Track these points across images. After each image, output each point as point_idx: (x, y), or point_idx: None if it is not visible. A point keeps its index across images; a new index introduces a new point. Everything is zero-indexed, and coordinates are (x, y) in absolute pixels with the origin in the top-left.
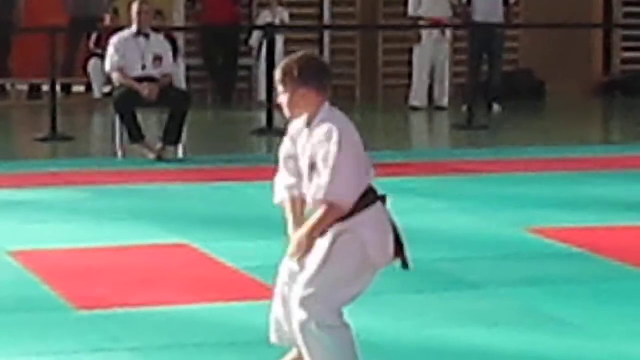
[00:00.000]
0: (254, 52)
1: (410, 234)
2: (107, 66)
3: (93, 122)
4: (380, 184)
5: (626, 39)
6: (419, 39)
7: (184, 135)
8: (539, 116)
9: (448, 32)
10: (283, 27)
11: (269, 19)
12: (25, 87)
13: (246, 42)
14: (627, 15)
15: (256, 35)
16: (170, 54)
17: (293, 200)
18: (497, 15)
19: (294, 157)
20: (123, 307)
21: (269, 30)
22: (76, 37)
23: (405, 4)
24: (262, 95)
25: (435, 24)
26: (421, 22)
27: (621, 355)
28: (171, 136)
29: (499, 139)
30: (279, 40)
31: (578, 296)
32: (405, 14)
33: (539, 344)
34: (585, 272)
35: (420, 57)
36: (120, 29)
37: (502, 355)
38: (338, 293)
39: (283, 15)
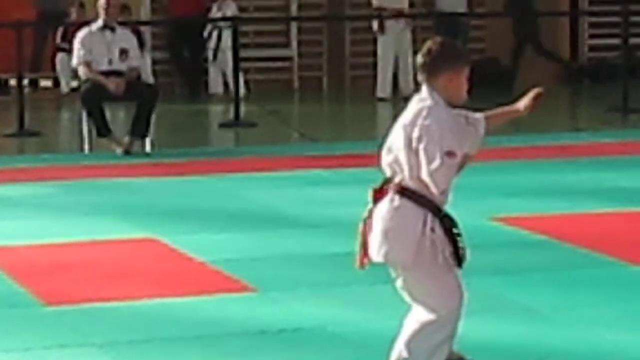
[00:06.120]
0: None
1: None
2: (74, 60)
3: (60, 117)
4: (348, 175)
5: (593, 25)
6: (382, 30)
7: (152, 129)
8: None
9: (405, 22)
10: (251, 20)
11: (218, 14)
12: None
13: (201, 34)
14: (593, 2)
15: (209, 28)
16: (137, 47)
17: None
18: (461, 5)
19: None
20: (91, 302)
21: (233, 23)
22: (43, 32)
23: None
24: (218, 88)
25: (398, 14)
26: (385, 13)
27: (588, 341)
28: (139, 130)
29: None
30: (226, 33)
31: (544, 284)
32: (370, 4)
33: (506, 332)
34: (551, 260)
35: (384, 49)
36: (87, 22)
37: (470, 344)
38: None
39: (231, 8)
